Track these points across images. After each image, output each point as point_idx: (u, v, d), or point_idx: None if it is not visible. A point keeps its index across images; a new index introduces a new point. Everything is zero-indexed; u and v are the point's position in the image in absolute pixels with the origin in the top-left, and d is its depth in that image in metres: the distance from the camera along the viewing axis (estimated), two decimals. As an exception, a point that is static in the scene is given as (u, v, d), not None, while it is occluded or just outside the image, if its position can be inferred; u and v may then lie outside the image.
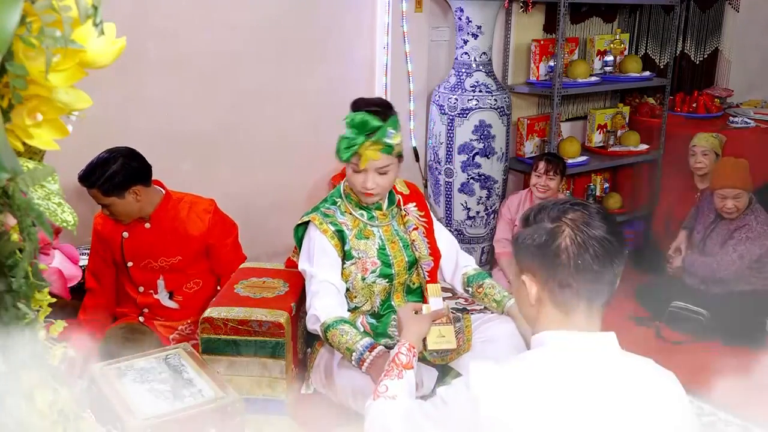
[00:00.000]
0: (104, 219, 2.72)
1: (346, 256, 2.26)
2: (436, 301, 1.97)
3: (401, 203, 2.40)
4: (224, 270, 2.81)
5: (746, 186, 3.42)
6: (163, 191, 2.75)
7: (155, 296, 2.77)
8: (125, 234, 2.71)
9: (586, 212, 1.34)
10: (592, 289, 1.32)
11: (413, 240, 2.35)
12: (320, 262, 2.22)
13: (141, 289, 2.77)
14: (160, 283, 2.76)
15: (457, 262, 2.47)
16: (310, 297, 2.22)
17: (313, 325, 2.20)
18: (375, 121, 2.15)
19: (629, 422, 1.25)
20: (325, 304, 2.17)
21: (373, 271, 2.26)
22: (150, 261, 2.72)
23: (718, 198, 3.45)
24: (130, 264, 2.72)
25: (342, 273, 2.27)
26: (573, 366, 1.29)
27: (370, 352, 2.02)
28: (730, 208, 3.41)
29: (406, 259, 2.33)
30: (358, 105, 2.21)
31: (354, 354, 2.04)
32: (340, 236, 2.25)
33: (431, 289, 2.04)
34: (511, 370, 1.30)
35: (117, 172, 2.55)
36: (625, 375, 1.31)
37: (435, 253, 2.39)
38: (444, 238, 2.48)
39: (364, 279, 2.26)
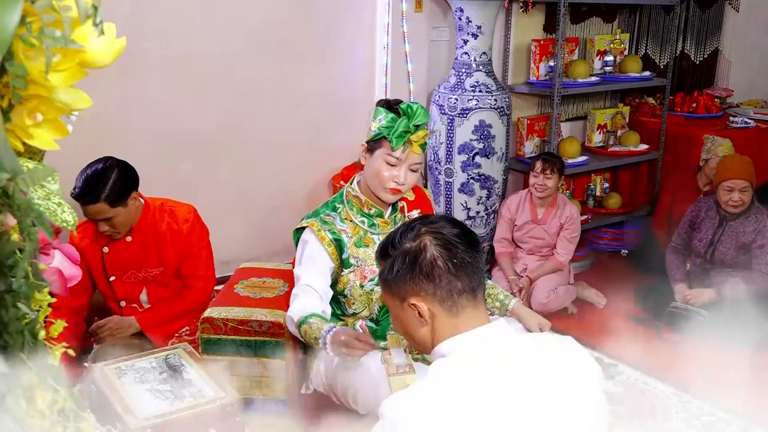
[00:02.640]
0: (84, 233, 2.62)
1: (344, 264, 2.23)
2: (397, 353, 1.94)
3: (405, 210, 2.38)
4: (189, 269, 2.73)
5: (752, 180, 3.43)
6: (143, 201, 2.66)
7: (140, 311, 2.72)
8: (105, 249, 2.63)
9: (428, 221, 1.42)
10: (473, 279, 1.37)
11: None
12: (306, 267, 2.20)
13: (123, 303, 2.70)
14: (143, 297, 2.72)
15: None
16: (291, 299, 2.19)
17: (291, 327, 2.16)
18: (425, 115, 2.16)
19: (545, 396, 1.27)
20: (300, 304, 2.14)
21: (372, 279, 2.25)
22: (133, 272, 2.67)
23: (724, 191, 3.42)
24: (112, 278, 2.66)
25: (339, 281, 2.24)
26: (480, 362, 1.31)
27: (329, 331, 2.00)
28: (737, 200, 3.39)
29: None
30: (389, 104, 2.21)
31: (320, 340, 2.01)
32: (338, 245, 2.22)
33: (392, 339, 1.96)
34: (423, 390, 1.28)
35: (118, 180, 2.48)
36: (527, 353, 1.34)
37: None
38: None
39: (362, 286, 2.25)
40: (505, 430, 1.23)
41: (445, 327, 1.37)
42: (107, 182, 2.45)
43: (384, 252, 1.44)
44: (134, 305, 2.71)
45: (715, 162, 3.88)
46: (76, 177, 2.49)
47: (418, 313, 1.37)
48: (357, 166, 3.64)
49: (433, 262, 1.36)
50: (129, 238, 2.63)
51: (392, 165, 2.17)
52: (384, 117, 2.16)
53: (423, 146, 2.19)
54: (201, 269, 2.75)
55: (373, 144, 2.19)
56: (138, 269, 2.67)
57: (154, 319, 2.64)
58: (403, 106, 2.17)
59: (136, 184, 2.58)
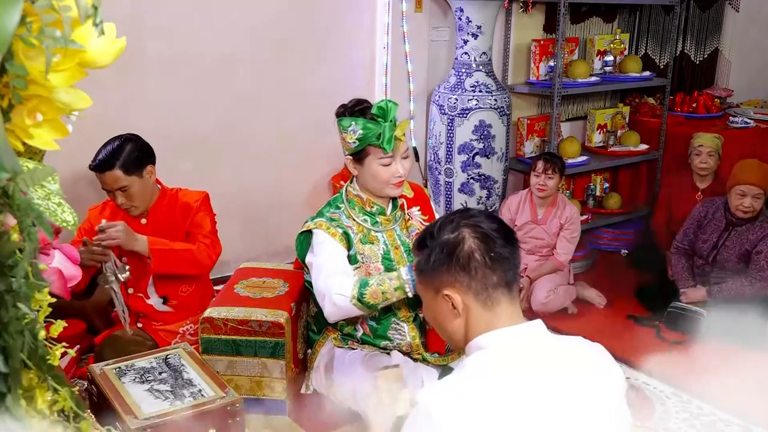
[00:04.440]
0: (100, 212, 2.70)
1: (351, 260, 2.24)
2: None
3: (404, 207, 2.39)
4: (195, 228, 2.72)
5: (766, 188, 3.40)
6: (160, 187, 2.76)
7: (148, 302, 2.73)
8: None
9: (467, 214, 1.43)
10: (509, 275, 1.39)
11: None
12: (327, 251, 2.20)
13: (130, 290, 2.72)
14: (151, 289, 2.73)
15: None
16: (325, 279, 2.14)
17: (339, 304, 2.10)
18: (395, 106, 2.20)
19: (577, 400, 1.29)
20: (342, 281, 2.12)
21: None
22: (145, 258, 2.68)
23: (736, 195, 3.40)
24: (124, 259, 2.67)
25: None
26: (517, 359, 1.32)
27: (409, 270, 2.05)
28: (747, 206, 3.37)
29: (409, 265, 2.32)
30: (352, 107, 2.22)
31: (407, 285, 2.05)
32: (347, 239, 2.23)
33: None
34: (459, 382, 1.31)
35: (134, 150, 2.59)
36: (563, 356, 1.35)
37: None
38: None
39: None
40: (534, 429, 1.24)
41: (479, 320, 1.38)
42: (123, 151, 2.58)
43: (422, 242, 1.45)
44: (140, 294, 2.73)
45: (697, 159, 3.90)
46: (95, 154, 2.60)
47: (452, 305, 1.38)
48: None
49: (470, 254, 1.37)
50: (144, 221, 2.69)
51: (387, 165, 2.20)
52: (357, 126, 2.17)
53: (403, 137, 2.24)
54: (206, 228, 2.73)
55: (359, 154, 2.21)
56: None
57: (161, 244, 2.62)
58: (375, 109, 2.18)
59: (152, 158, 2.67)
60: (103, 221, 2.55)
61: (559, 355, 1.35)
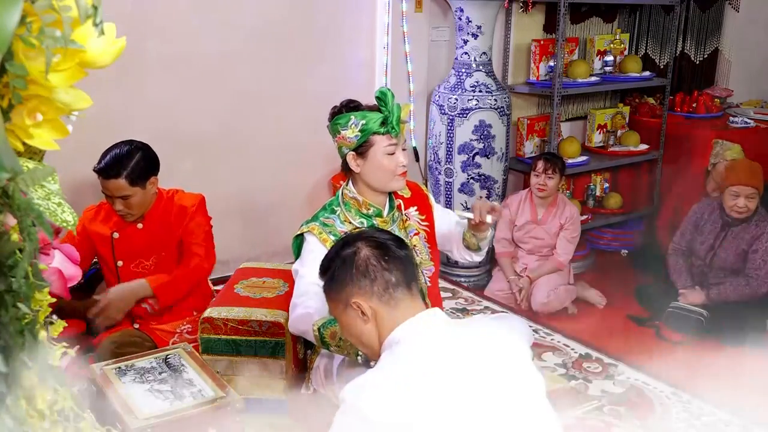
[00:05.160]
0: (95, 215, 2.69)
1: None
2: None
3: (402, 208, 2.38)
4: (188, 237, 2.72)
5: (760, 187, 3.39)
6: (156, 190, 2.74)
7: (142, 305, 2.70)
8: (116, 234, 2.66)
9: (360, 232, 1.61)
10: (405, 273, 1.52)
11: (414, 245, 2.32)
12: (312, 265, 2.18)
13: None
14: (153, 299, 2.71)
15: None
16: (298, 296, 2.16)
17: (303, 325, 2.11)
18: (392, 94, 2.21)
19: (496, 374, 1.40)
20: (317, 303, 2.12)
21: None
22: (141, 261, 2.69)
23: (730, 196, 3.40)
24: (120, 263, 2.68)
25: None
26: (433, 344, 1.43)
27: None
28: (742, 207, 3.37)
29: None
30: (344, 106, 2.23)
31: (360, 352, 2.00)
32: None
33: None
34: (380, 377, 1.39)
35: (141, 160, 2.58)
36: (468, 337, 1.48)
37: (436, 258, 2.37)
38: (447, 219, 2.46)
39: None
40: (464, 408, 1.34)
41: (387, 321, 1.49)
42: (131, 160, 2.55)
43: (324, 267, 1.60)
44: (144, 305, 2.70)
45: (723, 166, 3.84)
46: (101, 155, 2.58)
47: (361, 311, 1.50)
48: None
49: (367, 260, 1.51)
50: (140, 225, 2.67)
51: (391, 154, 2.21)
52: (356, 118, 2.17)
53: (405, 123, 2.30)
54: (200, 237, 2.74)
55: (363, 147, 2.20)
56: (146, 257, 2.70)
57: (160, 279, 2.62)
58: (377, 94, 2.20)
59: (157, 169, 2.66)
60: (93, 309, 2.54)
61: (466, 334, 1.49)
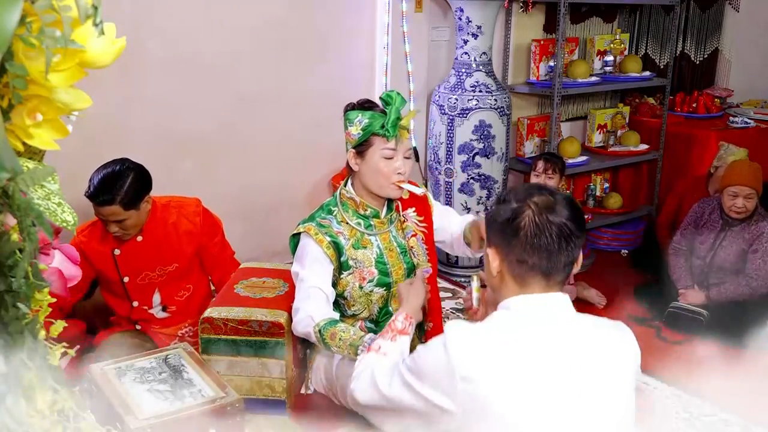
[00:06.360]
0: (89, 236, 2.61)
1: (342, 266, 2.22)
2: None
3: (399, 209, 2.37)
4: (215, 267, 2.81)
5: (758, 188, 3.39)
6: (150, 206, 2.65)
7: (149, 311, 2.72)
8: (117, 251, 2.62)
9: (552, 198, 1.44)
10: (547, 267, 1.43)
11: (411, 247, 2.31)
12: (312, 267, 2.19)
13: (135, 303, 2.70)
14: (156, 298, 2.71)
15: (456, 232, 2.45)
16: (300, 300, 2.18)
17: (304, 328, 2.14)
18: (403, 99, 2.18)
19: (589, 370, 1.39)
20: (318, 306, 2.14)
21: (371, 281, 2.24)
22: (147, 273, 2.67)
23: (729, 196, 3.40)
24: (126, 279, 2.65)
25: (339, 283, 2.23)
26: (535, 323, 1.42)
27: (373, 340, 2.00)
28: (740, 207, 3.37)
29: (405, 267, 2.30)
30: (361, 104, 2.21)
31: (360, 347, 2.02)
32: (336, 247, 2.20)
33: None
34: (481, 330, 1.43)
35: (134, 183, 2.48)
36: (582, 327, 1.45)
37: (433, 260, 2.37)
38: (450, 219, 2.45)
39: (361, 288, 2.23)
40: (540, 393, 1.34)
41: (510, 288, 1.47)
42: (123, 185, 2.45)
43: (498, 198, 1.53)
44: (145, 306, 2.71)
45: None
46: (91, 176, 2.47)
47: (497, 262, 1.47)
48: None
49: (517, 231, 1.42)
50: (140, 238, 2.62)
51: (389, 158, 2.16)
52: (362, 117, 2.16)
53: (408, 131, 2.23)
54: (228, 252, 2.88)
55: (362, 146, 2.18)
56: (152, 269, 2.66)
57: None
58: (383, 96, 2.18)
59: (150, 187, 2.57)
60: None
61: (579, 329, 1.44)
